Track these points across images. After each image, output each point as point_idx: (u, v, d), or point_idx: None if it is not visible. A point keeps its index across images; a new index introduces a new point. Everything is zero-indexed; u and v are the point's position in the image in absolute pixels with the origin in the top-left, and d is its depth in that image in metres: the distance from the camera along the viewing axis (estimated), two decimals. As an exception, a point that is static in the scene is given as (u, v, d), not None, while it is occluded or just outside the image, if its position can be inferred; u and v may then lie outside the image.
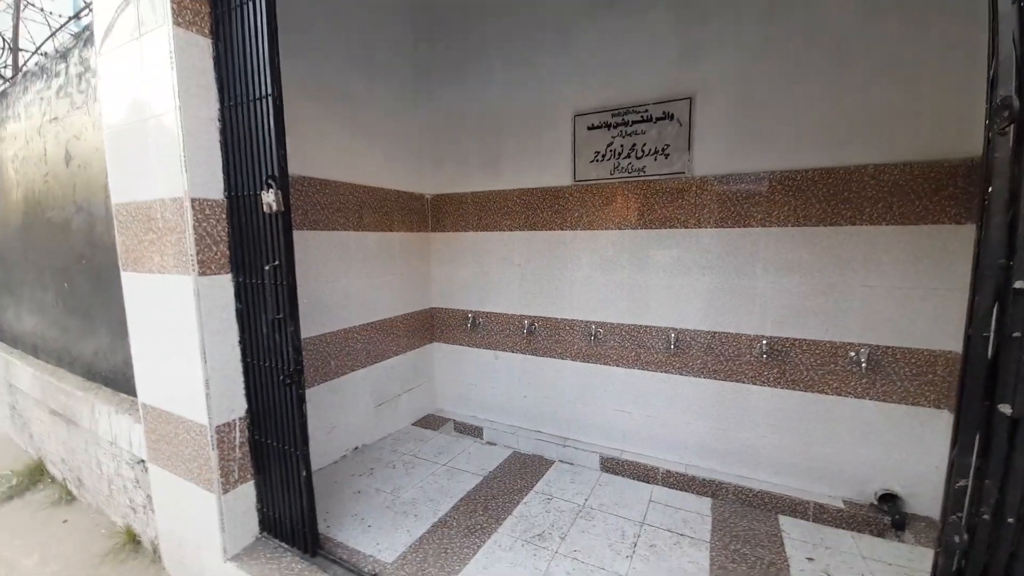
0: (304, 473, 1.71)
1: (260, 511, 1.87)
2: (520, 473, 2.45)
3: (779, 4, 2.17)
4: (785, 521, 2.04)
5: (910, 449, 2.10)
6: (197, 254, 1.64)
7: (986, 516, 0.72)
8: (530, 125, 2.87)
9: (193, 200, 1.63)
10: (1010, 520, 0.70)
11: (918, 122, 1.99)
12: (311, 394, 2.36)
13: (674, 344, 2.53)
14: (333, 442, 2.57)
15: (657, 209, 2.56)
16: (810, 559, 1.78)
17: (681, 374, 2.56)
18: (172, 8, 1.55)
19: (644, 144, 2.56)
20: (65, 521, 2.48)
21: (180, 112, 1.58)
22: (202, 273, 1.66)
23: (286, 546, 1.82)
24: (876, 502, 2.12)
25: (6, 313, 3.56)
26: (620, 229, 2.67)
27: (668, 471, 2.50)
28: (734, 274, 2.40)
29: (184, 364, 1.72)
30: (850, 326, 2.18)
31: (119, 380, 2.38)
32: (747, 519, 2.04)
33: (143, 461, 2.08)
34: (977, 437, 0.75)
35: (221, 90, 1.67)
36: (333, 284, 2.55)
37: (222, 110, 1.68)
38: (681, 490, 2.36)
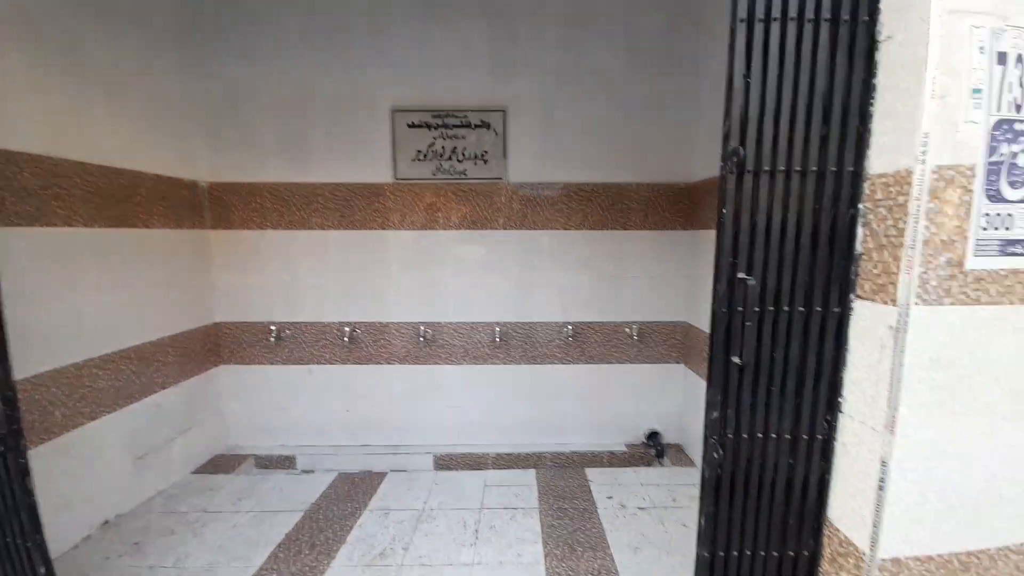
0: (43, 569, 1.16)
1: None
2: (349, 495, 2.24)
3: (571, 38, 2.57)
4: (590, 471, 2.46)
5: (662, 395, 2.82)
6: None
7: (731, 435, 1.05)
8: (342, 113, 2.63)
9: None
10: (745, 435, 1.04)
11: (659, 153, 2.67)
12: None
13: (498, 337, 2.73)
14: (66, 521, 1.81)
15: (478, 211, 2.70)
16: (609, 497, 2.20)
17: (505, 363, 2.79)
18: None
19: (465, 148, 2.66)
20: None
21: None
22: None
23: None
24: (645, 440, 2.77)
25: None
26: (445, 229, 2.71)
27: (498, 454, 2.69)
28: (543, 270, 2.74)
29: None
30: (624, 308, 2.77)
31: None
32: (563, 479, 2.38)
33: None
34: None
35: None
36: (49, 303, 1.77)
37: None
38: (510, 468, 2.57)
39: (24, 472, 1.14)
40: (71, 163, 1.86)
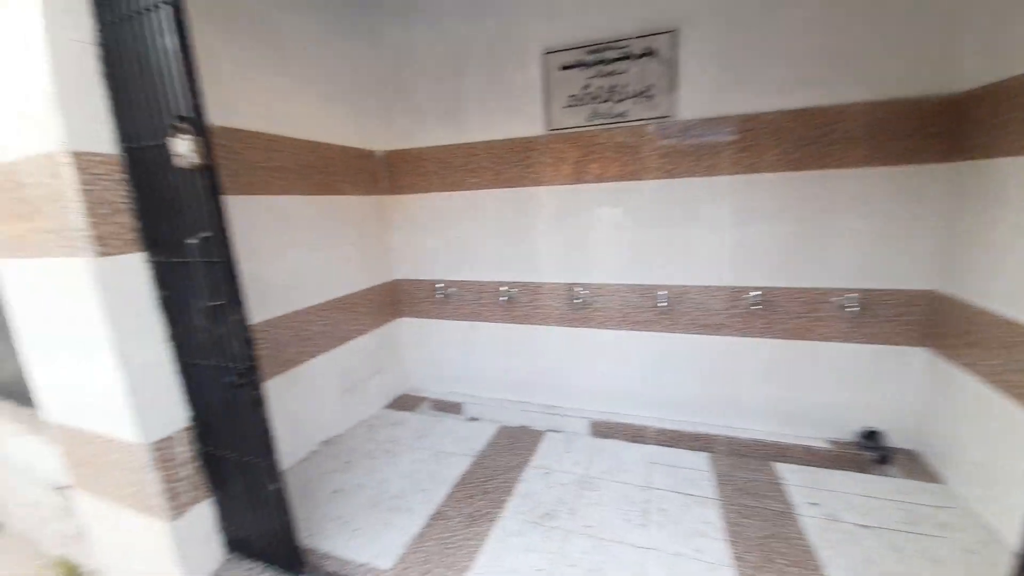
0: (275, 486, 1.44)
1: (226, 531, 1.59)
2: (512, 448, 2.31)
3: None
4: (779, 467, 2.06)
5: (890, 387, 2.16)
6: (91, 227, 1.24)
7: None
8: (494, 65, 2.53)
9: (77, 155, 1.21)
10: None
11: (901, 57, 1.91)
12: (266, 388, 2.03)
13: (663, 301, 2.43)
14: (298, 438, 2.28)
15: (640, 157, 2.37)
16: (814, 503, 1.80)
17: (670, 331, 2.48)
18: None
19: (625, 85, 2.32)
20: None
21: (46, 32, 1.14)
22: (103, 253, 1.27)
23: (263, 565, 1.57)
24: (860, 439, 2.19)
25: None
26: (601, 181, 2.47)
27: (660, 429, 2.46)
28: (723, 225, 2.29)
29: (98, 373, 1.35)
30: (837, 271, 2.16)
31: (21, 393, 1.91)
32: (745, 470, 2.04)
33: (67, 487, 1.70)
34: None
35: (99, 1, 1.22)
36: (277, 260, 2.15)
37: (102, 30, 1.24)
38: (674, 447, 2.32)
39: (258, 403, 1.38)
40: (282, 138, 2.17)
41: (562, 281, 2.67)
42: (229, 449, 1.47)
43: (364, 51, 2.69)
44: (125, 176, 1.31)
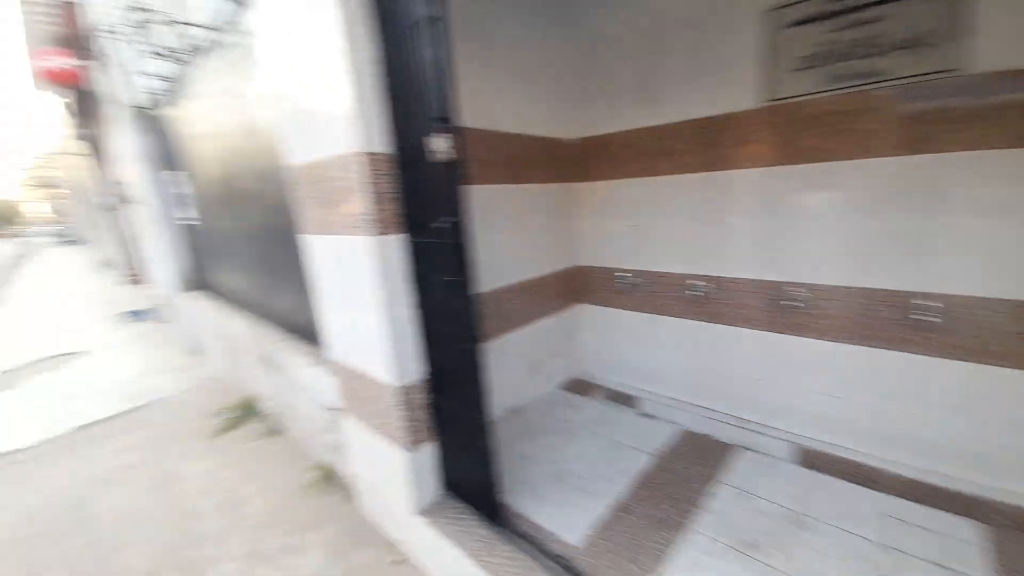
0: (482, 442, 1.64)
1: (444, 470, 1.89)
2: (697, 457, 2.14)
3: None
4: None
5: None
6: (373, 213, 1.56)
7: None
8: (698, 36, 2.26)
9: (368, 155, 1.53)
10: None
11: None
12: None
13: (925, 313, 1.88)
14: (491, 402, 2.54)
15: (908, 126, 1.84)
16: None
17: (930, 354, 1.92)
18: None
19: (885, 35, 1.82)
20: (273, 452, 2.90)
21: (349, 54, 1.46)
22: (381, 233, 1.59)
23: (469, 508, 1.81)
24: None
25: (223, 274, 4.25)
26: (844, 159, 2.01)
27: (903, 477, 1.94)
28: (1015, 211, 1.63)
29: (369, 326, 1.72)
30: None
31: (312, 335, 2.60)
32: (1057, 563, 1.46)
33: (338, 409, 2.25)
34: None
35: (381, 19, 1.50)
36: (484, 243, 2.39)
37: (384, 44, 1.51)
38: (927, 505, 1.81)
39: (479, 367, 1.56)
40: (489, 133, 2.38)
41: (766, 278, 2.31)
42: (452, 403, 1.72)
43: (562, 41, 2.73)
44: (394, 170, 1.61)
